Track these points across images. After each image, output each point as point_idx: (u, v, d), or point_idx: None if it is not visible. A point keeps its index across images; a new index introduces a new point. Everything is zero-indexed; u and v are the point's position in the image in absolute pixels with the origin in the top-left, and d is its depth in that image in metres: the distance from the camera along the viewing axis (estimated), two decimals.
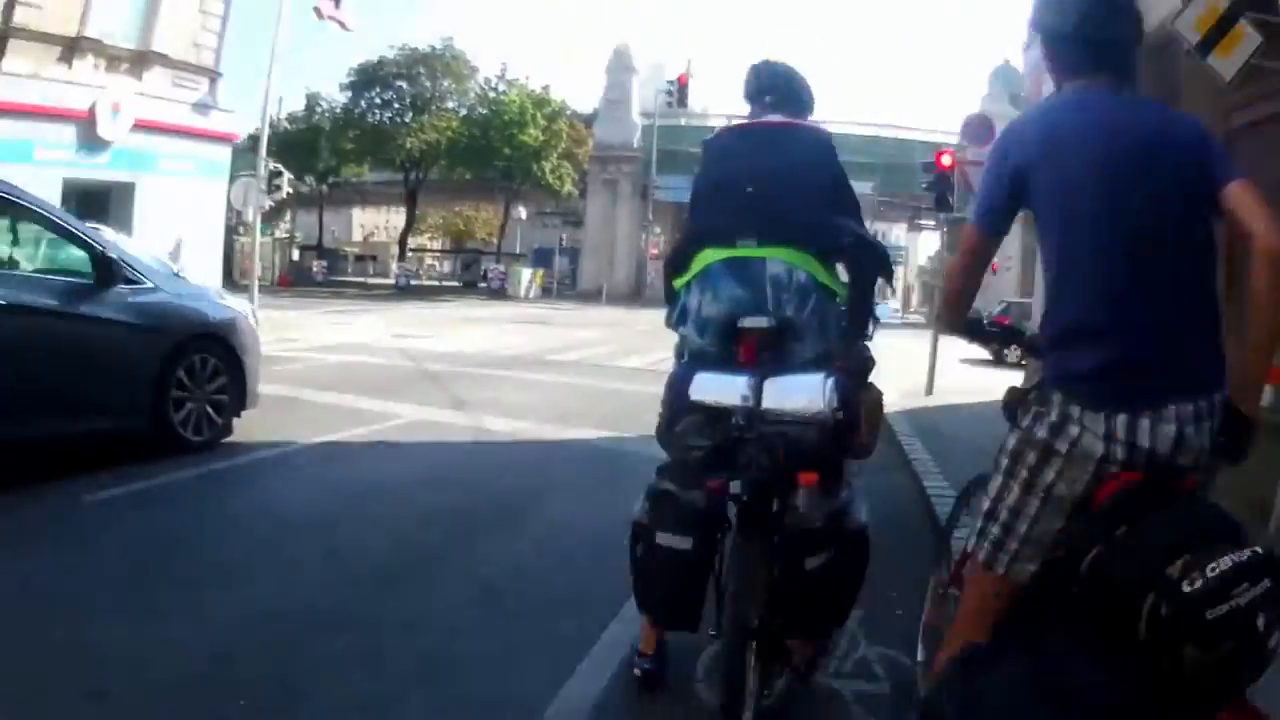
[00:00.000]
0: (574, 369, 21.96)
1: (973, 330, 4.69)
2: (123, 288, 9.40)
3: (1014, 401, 3.95)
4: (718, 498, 4.22)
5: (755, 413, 4.22)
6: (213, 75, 33.97)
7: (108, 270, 9.15)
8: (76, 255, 9.24)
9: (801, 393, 4.29)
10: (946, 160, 20.70)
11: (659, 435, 4.74)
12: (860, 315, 5.03)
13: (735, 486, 4.26)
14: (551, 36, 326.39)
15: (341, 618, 5.88)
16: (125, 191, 31.03)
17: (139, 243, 19.70)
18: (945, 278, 5.28)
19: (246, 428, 11.00)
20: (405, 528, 7.80)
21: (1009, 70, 71.29)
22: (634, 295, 71.00)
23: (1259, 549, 2.91)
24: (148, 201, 30.69)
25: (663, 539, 4.19)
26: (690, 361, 4.88)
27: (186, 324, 10.34)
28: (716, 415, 4.28)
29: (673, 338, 5.19)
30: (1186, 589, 2.80)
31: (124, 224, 27.38)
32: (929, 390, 19.43)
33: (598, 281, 73.18)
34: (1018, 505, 3.66)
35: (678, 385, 4.59)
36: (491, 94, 75.06)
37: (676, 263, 5.18)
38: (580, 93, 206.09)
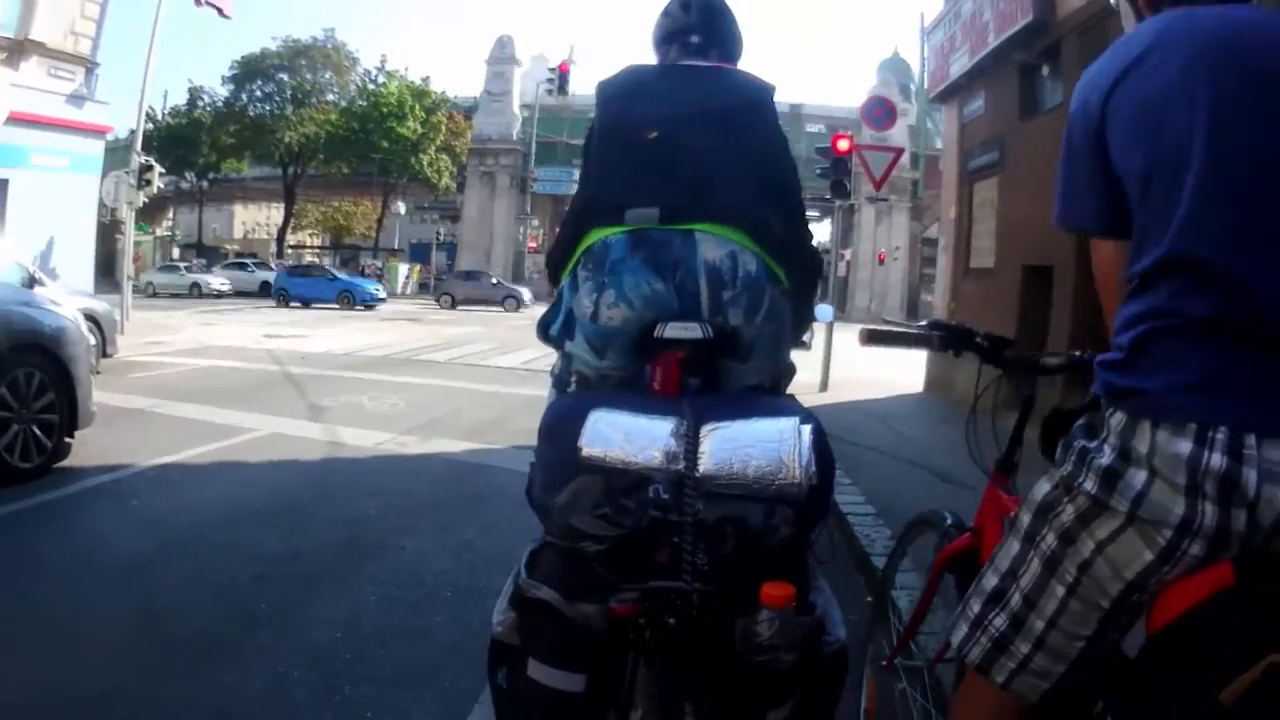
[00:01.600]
0: (444, 370, 21.18)
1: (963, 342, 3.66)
2: None
3: (1056, 424, 2.80)
4: (626, 618, 2.50)
5: (690, 480, 2.43)
6: (89, 65, 32.14)
7: None
8: None
9: (764, 448, 2.48)
10: (844, 144, 20.32)
11: (530, 500, 2.73)
12: (802, 321, 3.68)
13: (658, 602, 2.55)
14: (434, 26, 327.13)
15: (142, 701, 4.78)
16: None
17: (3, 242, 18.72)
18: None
19: (86, 448, 9.88)
20: (234, 577, 6.70)
21: (899, 61, 72.27)
22: None
23: None
24: (20, 198, 28.70)
25: (538, 672, 2.53)
26: (579, 391, 3.26)
27: (7, 335, 8.93)
28: (626, 483, 2.44)
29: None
30: None
31: None
32: (824, 386, 18.87)
33: None
34: (1034, 589, 2.47)
35: (561, 429, 2.62)
36: (371, 86, 74.07)
37: (560, 252, 3.39)
38: (462, 84, 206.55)
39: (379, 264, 73.07)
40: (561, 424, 2.63)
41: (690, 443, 2.49)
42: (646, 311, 3.02)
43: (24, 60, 30.01)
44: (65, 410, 9.43)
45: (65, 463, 9.47)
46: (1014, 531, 2.61)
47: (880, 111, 21.76)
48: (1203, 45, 2.27)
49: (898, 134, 37.30)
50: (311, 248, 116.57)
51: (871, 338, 3.75)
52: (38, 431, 9.08)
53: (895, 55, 76.96)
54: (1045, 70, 16.66)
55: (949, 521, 3.92)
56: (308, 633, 5.80)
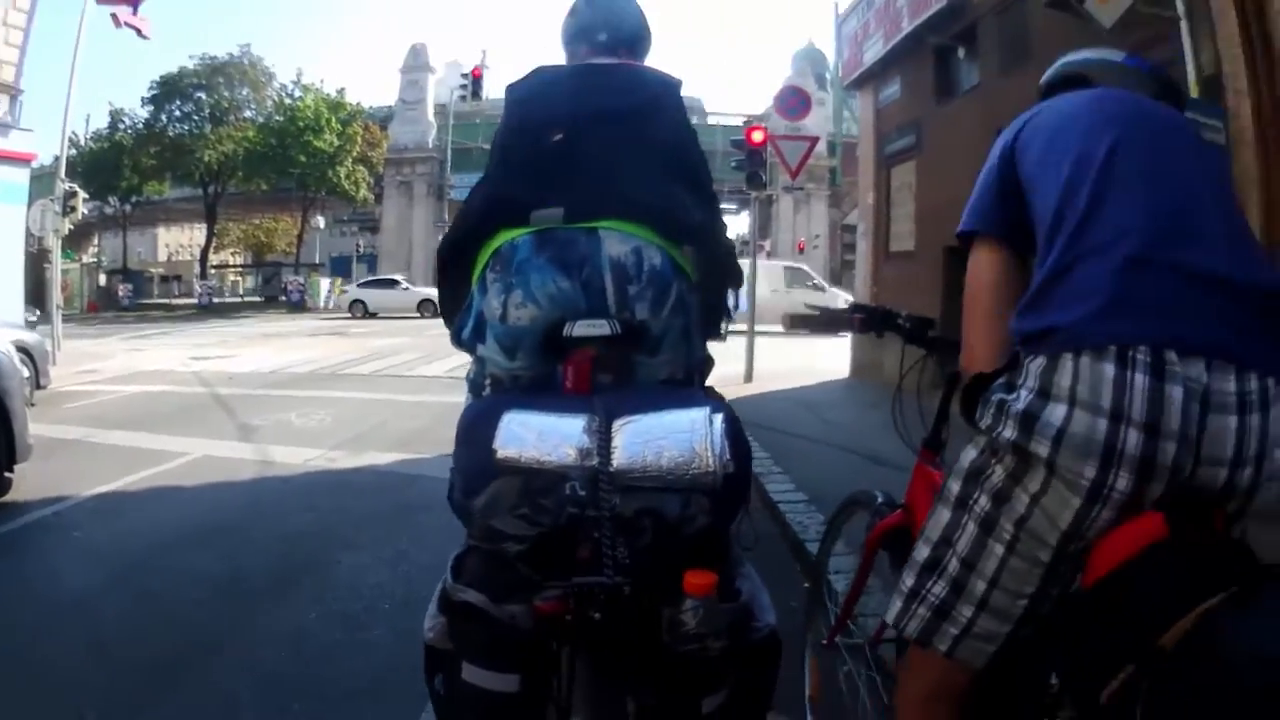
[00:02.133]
0: (370, 383, 21.10)
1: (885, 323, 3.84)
2: None
3: (975, 389, 2.75)
4: (551, 616, 2.51)
5: (604, 475, 2.44)
6: (13, 93, 31.58)
7: None
8: None
9: (676, 439, 2.50)
10: (758, 135, 20.29)
11: (452, 505, 2.68)
12: (715, 313, 3.52)
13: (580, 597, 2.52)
14: (349, 38, 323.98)
15: None
16: None
17: None
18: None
19: (25, 481, 9.79)
20: (175, 602, 6.74)
21: (813, 51, 72.13)
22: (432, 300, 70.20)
23: None
24: None
25: (471, 674, 2.55)
26: (492, 394, 3.15)
27: None
28: (542, 482, 2.43)
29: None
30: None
31: None
32: (748, 377, 18.94)
33: None
34: (972, 552, 2.57)
35: (476, 431, 2.60)
36: (287, 100, 72.97)
37: (458, 250, 3.34)
38: (378, 93, 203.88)
39: (301, 279, 72.15)
40: (476, 427, 2.62)
41: (603, 438, 2.50)
42: (554, 310, 2.98)
43: None
44: (2, 445, 9.30)
45: (6, 498, 9.41)
46: (943, 500, 2.71)
47: (794, 101, 21.79)
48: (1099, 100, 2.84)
49: (814, 123, 37.37)
50: (234, 266, 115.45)
51: (794, 322, 3.85)
52: None
53: (810, 45, 76.74)
54: (961, 52, 16.83)
55: (879, 500, 3.97)
56: (254, 653, 5.86)
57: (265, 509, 9.67)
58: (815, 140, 21.15)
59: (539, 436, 2.49)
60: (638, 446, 2.47)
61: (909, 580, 2.74)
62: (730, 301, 3.66)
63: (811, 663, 4.44)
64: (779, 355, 20.97)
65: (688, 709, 2.50)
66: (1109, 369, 2.30)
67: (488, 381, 3.17)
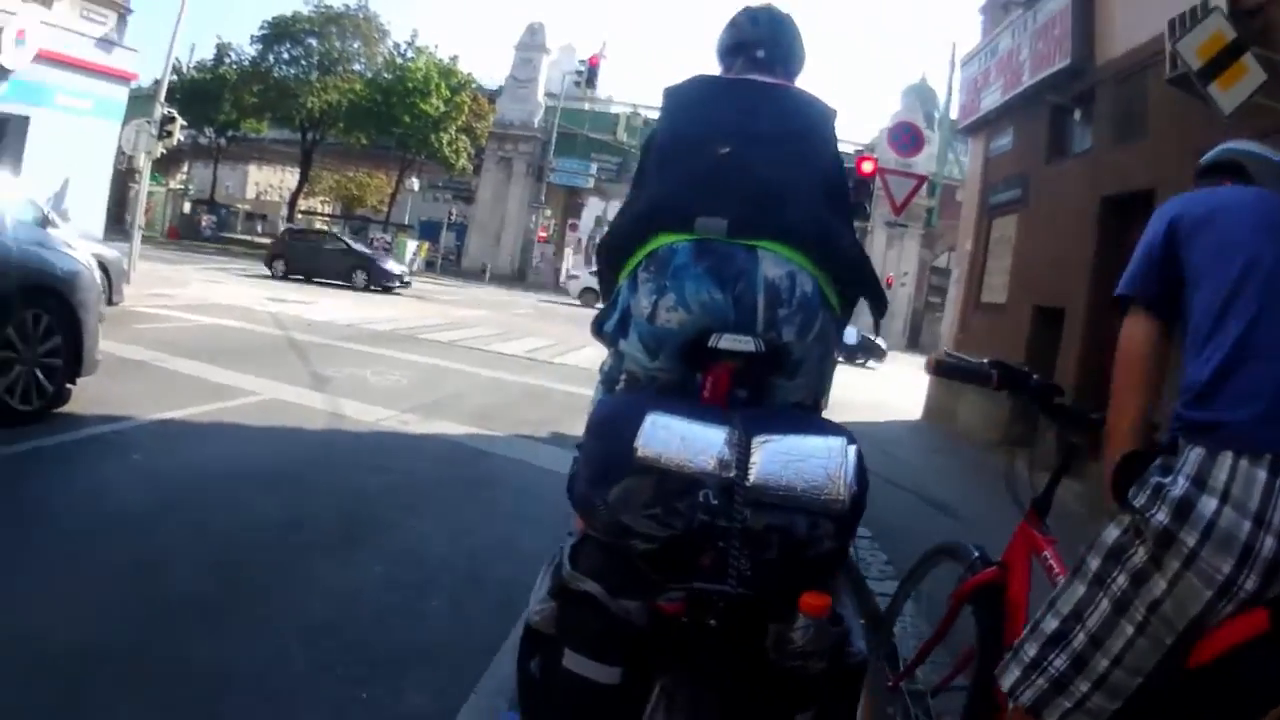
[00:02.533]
0: (448, 350, 21.01)
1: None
2: None
3: (1130, 467, 2.80)
4: (669, 617, 2.56)
5: (740, 488, 2.49)
6: (122, 10, 31.89)
7: None
8: None
9: (813, 463, 2.54)
10: (869, 166, 20.18)
11: (571, 494, 2.84)
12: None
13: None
14: (468, 6, 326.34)
15: (130, 660, 4.64)
16: (20, 125, 28.72)
17: (13, 180, 18.53)
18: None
19: (87, 396, 9.77)
20: (231, 540, 6.59)
21: (924, 88, 71.90)
22: (518, 277, 70.59)
23: None
24: (40, 137, 28.33)
25: (574, 662, 2.56)
26: (629, 392, 3.28)
27: (20, 274, 8.78)
28: (676, 486, 2.49)
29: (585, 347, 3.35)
30: None
31: (15, 159, 25.54)
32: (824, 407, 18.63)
33: (482, 260, 72.60)
34: (1102, 629, 2.67)
35: (614, 427, 2.67)
36: (399, 59, 73.72)
37: (617, 248, 3.41)
38: (489, 67, 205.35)
39: (388, 238, 72.66)
40: (614, 423, 2.68)
41: (742, 452, 2.53)
42: (703, 318, 3.03)
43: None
44: (70, 355, 9.32)
45: (66, 409, 9.38)
46: (1079, 575, 2.81)
47: (907, 137, 21.65)
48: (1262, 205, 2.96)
49: (920, 160, 37.26)
50: (323, 215, 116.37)
51: (938, 368, 3.95)
52: (40, 375, 8.97)
53: (922, 82, 76.60)
54: (1077, 114, 16.58)
55: (975, 555, 3.97)
56: (304, 604, 5.73)
57: (332, 462, 9.57)
58: (923, 179, 21.01)
59: (682, 441, 2.54)
60: (776, 465, 2.52)
61: (1031, 650, 2.86)
62: (845, 335, 3.72)
63: (865, 700, 4.36)
64: (856, 388, 20.76)
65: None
66: (1262, 475, 2.46)
67: (623, 377, 3.30)
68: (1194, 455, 2.56)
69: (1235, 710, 2.34)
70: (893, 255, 73.60)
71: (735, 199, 3.16)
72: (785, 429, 2.66)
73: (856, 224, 17.32)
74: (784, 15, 3.94)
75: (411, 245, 70.29)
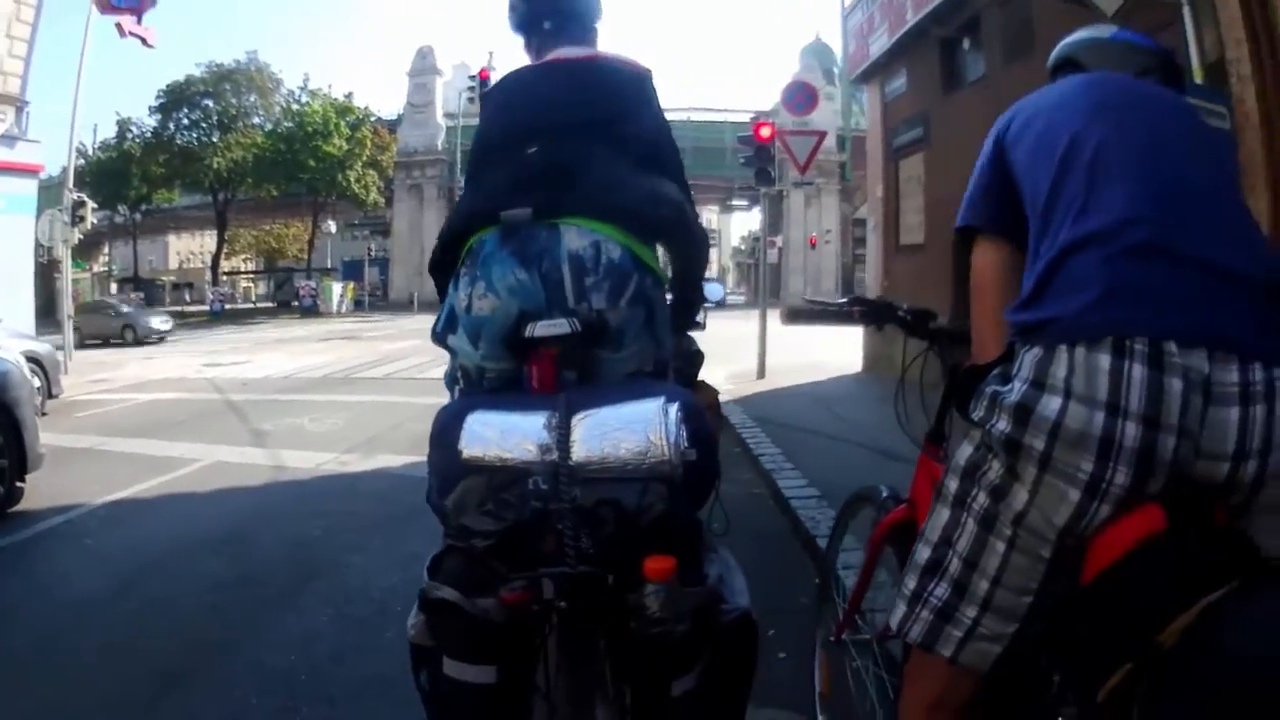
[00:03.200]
0: (383, 385, 21.24)
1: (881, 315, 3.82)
2: None
3: (969, 382, 2.74)
4: (518, 606, 2.54)
5: (564, 469, 2.55)
6: (20, 105, 31.49)
7: None
8: None
9: (631, 430, 2.61)
10: (766, 131, 20.31)
11: (432, 507, 2.80)
12: (689, 301, 3.67)
13: (547, 587, 2.57)
14: (355, 42, 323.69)
15: None
16: None
17: None
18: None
19: (38, 490, 9.90)
20: (188, 607, 6.78)
21: (821, 45, 71.98)
22: None
23: None
24: None
25: (452, 669, 2.61)
26: (464, 392, 3.26)
27: None
28: (505, 479, 2.56)
29: None
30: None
31: None
32: (760, 373, 18.97)
33: (409, 290, 72.25)
34: (973, 551, 2.52)
35: (446, 435, 2.74)
36: (295, 106, 73.44)
37: (442, 260, 3.41)
38: (385, 98, 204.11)
39: (313, 284, 72.27)
40: (447, 430, 2.74)
41: (563, 433, 2.60)
42: (512, 301, 3.01)
43: None
44: (14, 455, 9.42)
45: (18, 507, 9.49)
46: (941, 499, 2.68)
47: (801, 96, 21.71)
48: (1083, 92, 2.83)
49: (822, 117, 37.27)
50: (246, 273, 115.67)
51: (793, 316, 4.05)
52: None
53: (817, 40, 76.83)
54: (966, 44, 16.83)
55: (885, 494, 4.00)
56: (263, 656, 5.90)
57: (277, 513, 9.73)
58: (823, 135, 21.09)
59: (501, 435, 2.62)
60: (595, 440, 2.57)
61: (910, 583, 2.71)
62: (707, 290, 3.79)
63: (822, 659, 4.46)
64: (792, 351, 20.96)
65: (658, 692, 2.57)
66: (1105, 360, 2.28)
67: (460, 375, 3.26)
68: (1029, 357, 2.43)
69: (1137, 622, 2.09)
70: (813, 214, 73.77)
71: (539, 188, 3.14)
72: (603, 402, 2.70)
73: (767, 190, 17.48)
74: None
75: (337, 288, 69.98)
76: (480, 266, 3.07)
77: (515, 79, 3.68)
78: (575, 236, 3.05)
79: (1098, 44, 3.17)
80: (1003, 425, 2.43)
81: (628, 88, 3.56)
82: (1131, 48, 3.12)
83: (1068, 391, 2.30)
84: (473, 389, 3.19)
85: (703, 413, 2.75)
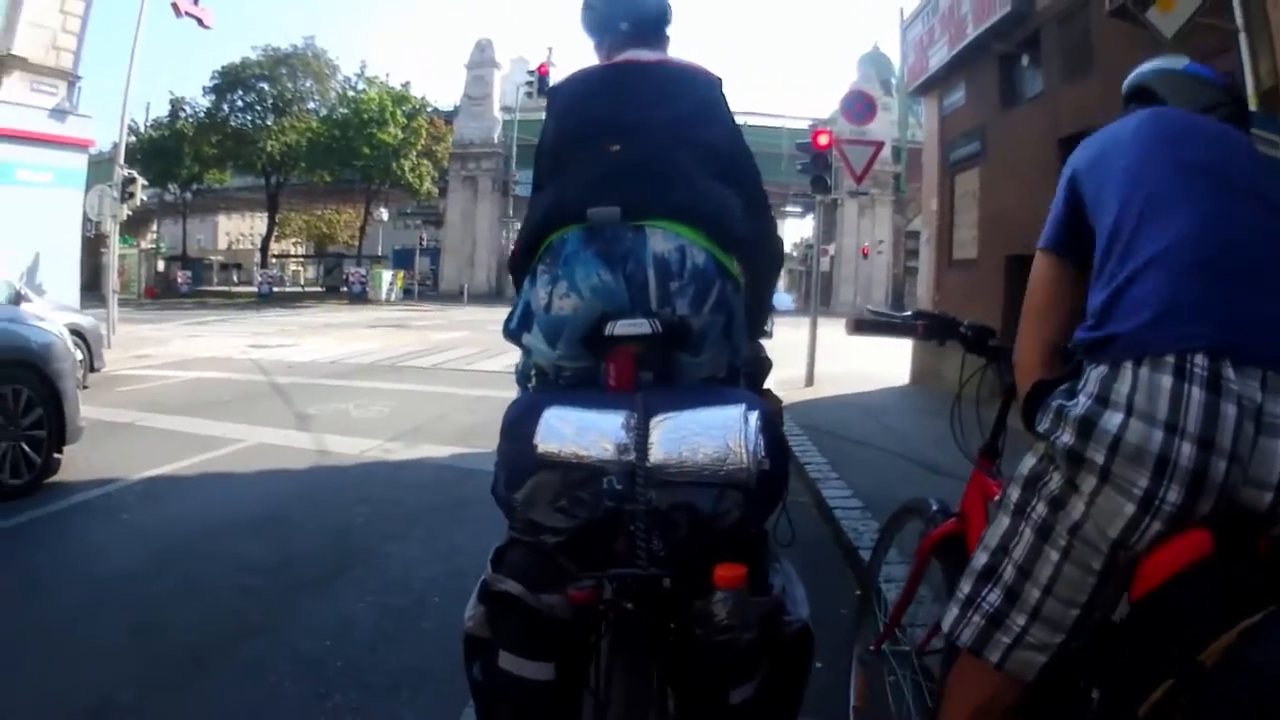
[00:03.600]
0: (430, 375, 21.16)
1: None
2: None
3: (1037, 395, 2.81)
4: (585, 605, 2.55)
5: (641, 470, 2.50)
6: (72, 79, 31.65)
7: None
8: None
9: (711, 435, 2.54)
10: (824, 139, 20.42)
11: (496, 498, 2.73)
12: (762, 309, 3.68)
13: (609, 588, 2.59)
14: (414, 32, 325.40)
15: (136, 713, 4.81)
16: None
17: None
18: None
19: (76, 463, 9.89)
20: (223, 587, 6.70)
21: (879, 55, 71.94)
22: (496, 294, 70.51)
23: None
24: (4, 214, 27.29)
25: (509, 663, 2.60)
26: (538, 389, 3.21)
27: None
28: (580, 476, 2.51)
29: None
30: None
31: None
32: (809, 381, 18.85)
33: (459, 281, 72.74)
34: (1028, 559, 2.58)
35: (519, 427, 2.68)
36: (351, 93, 73.59)
37: (521, 256, 3.39)
38: (442, 89, 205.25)
39: (363, 271, 72.51)
40: (519, 423, 2.69)
41: (641, 434, 2.55)
42: (595, 302, 3.00)
43: (6, 76, 29.67)
44: (54, 426, 9.49)
45: (55, 478, 9.47)
46: (1002, 508, 2.73)
47: (860, 106, 21.61)
48: (1154, 134, 2.85)
49: (879, 128, 37.19)
50: (296, 256, 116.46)
51: (858, 326, 4.08)
52: (26, 448, 9.12)
53: (875, 49, 76.64)
54: (1025, 60, 16.73)
55: (934, 508, 3.98)
56: (297, 641, 5.81)
57: (318, 498, 9.64)
58: (880, 145, 21.00)
59: (578, 432, 2.57)
60: (673, 443, 2.53)
61: (965, 588, 2.76)
62: (776, 300, 3.83)
63: (859, 672, 4.50)
64: (841, 360, 20.85)
65: (717, 700, 2.55)
66: (1167, 380, 2.34)
67: (533, 372, 3.24)
68: (1095, 373, 2.50)
69: (1180, 641, 2.16)
70: (866, 224, 73.79)
71: (625, 187, 3.14)
72: (683, 405, 2.66)
73: (822, 198, 17.46)
74: None
75: (387, 276, 70.18)
76: (562, 265, 3.06)
77: (587, 76, 3.69)
78: (661, 240, 3.05)
79: (1170, 75, 3.25)
80: (1066, 438, 2.49)
81: (702, 91, 3.58)
82: (1201, 81, 3.20)
83: (1129, 408, 2.37)
84: (546, 386, 3.18)
85: (777, 423, 2.80)
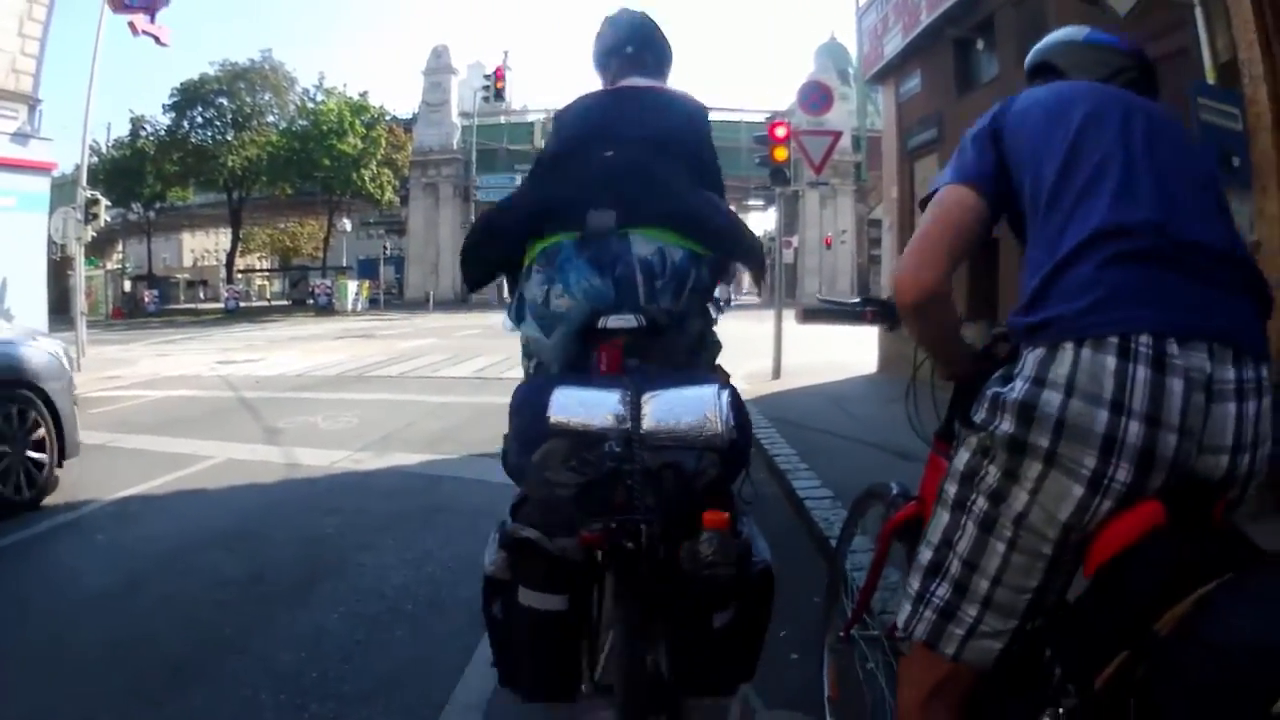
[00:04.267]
0: (397, 384, 21.17)
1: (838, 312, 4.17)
2: None
3: (969, 384, 3.03)
4: (593, 545, 3.05)
5: (636, 437, 3.06)
6: (33, 103, 31.49)
7: None
8: None
9: (691, 409, 3.12)
10: (781, 131, 20.35)
11: (506, 466, 3.40)
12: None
13: (614, 533, 3.05)
14: (370, 41, 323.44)
15: None
16: None
17: None
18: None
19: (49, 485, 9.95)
20: (198, 602, 6.78)
21: (836, 45, 71.98)
22: (462, 301, 70.26)
23: None
24: None
25: (528, 598, 3.12)
26: (542, 371, 3.90)
27: (1, 371, 9.51)
28: (585, 442, 3.06)
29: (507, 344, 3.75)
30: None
31: None
32: (776, 374, 18.92)
33: (424, 289, 72.60)
34: (973, 552, 2.65)
35: (531, 404, 3.25)
36: (310, 104, 73.51)
37: (500, 242, 4.06)
38: (400, 97, 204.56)
39: (328, 283, 72.26)
40: (530, 400, 3.21)
41: (634, 408, 3.08)
42: (586, 303, 3.63)
43: None
44: (54, 442, 9.89)
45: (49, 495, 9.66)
46: (941, 503, 2.82)
47: (816, 96, 21.62)
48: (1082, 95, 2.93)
49: (837, 118, 37.24)
50: (261, 271, 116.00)
51: (807, 315, 4.29)
52: (30, 465, 9.52)
53: (832, 40, 76.81)
54: (980, 44, 16.78)
55: (895, 491, 4.10)
56: (272, 653, 5.89)
57: (289, 511, 9.70)
58: (838, 134, 21.07)
59: (583, 406, 3.09)
60: (661, 414, 3.06)
61: (915, 583, 2.86)
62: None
63: (830, 663, 4.64)
64: (808, 351, 20.94)
65: (702, 623, 3.04)
66: (1111, 360, 2.37)
67: (536, 356, 3.93)
68: (1032, 357, 2.53)
69: (1135, 612, 2.19)
70: (828, 215, 73.86)
71: (619, 193, 3.74)
72: (667, 385, 3.19)
73: (782, 190, 17.63)
74: (641, 15, 4.56)
75: (352, 286, 70.01)
76: (558, 270, 3.69)
77: (591, 98, 4.34)
78: (643, 244, 3.68)
79: (1072, 46, 3.36)
80: (1006, 425, 2.54)
81: (691, 116, 4.27)
82: (1105, 49, 3.29)
83: (1070, 388, 2.41)
84: (542, 368, 3.85)
85: (742, 401, 3.22)
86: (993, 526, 2.59)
